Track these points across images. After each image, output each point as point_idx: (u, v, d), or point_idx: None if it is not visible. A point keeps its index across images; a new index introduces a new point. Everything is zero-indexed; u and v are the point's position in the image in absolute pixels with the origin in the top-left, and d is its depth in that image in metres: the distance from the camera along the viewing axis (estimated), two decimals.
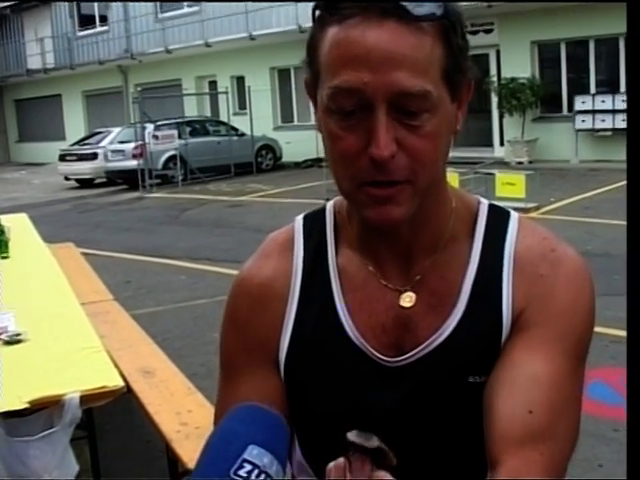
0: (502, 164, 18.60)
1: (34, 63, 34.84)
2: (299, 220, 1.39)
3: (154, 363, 4.10)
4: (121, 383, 3.15)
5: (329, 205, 1.36)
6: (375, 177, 1.11)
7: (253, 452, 0.70)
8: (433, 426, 1.26)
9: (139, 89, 23.42)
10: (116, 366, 3.46)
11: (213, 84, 27.80)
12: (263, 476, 0.69)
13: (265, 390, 1.29)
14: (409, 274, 1.28)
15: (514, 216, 1.32)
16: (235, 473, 0.69)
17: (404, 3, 1.07)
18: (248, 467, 0.69)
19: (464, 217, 1.30)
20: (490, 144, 21.54)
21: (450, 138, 1.19)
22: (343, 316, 1.28)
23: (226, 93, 24.94)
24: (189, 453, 3.21)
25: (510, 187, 12.48)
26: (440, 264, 1.28)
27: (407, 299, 1.27)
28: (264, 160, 24.40)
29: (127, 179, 22.14)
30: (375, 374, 1.27)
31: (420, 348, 1.24)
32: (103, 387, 3.03)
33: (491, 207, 1.33)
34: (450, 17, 1.11)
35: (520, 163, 19.03)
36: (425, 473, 1.29)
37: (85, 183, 23.91)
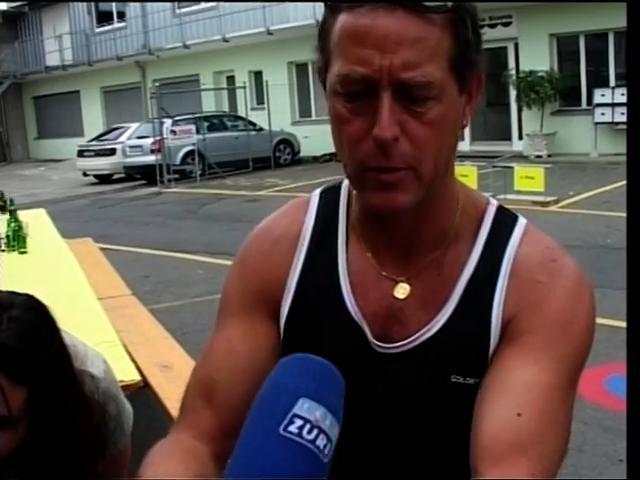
0: (521, 158, 18.52)
1: (52, 60, 34.92)
2: (317, 192, 1.42)
3: (172, 357, 4.11)
4: (138, 377, 3.15)
5: (346, 182, 1.36)
6: (378, 163, 1.13)
7: (304, 406, 0.65)
8: (414, 421, 1.27)
9: (157, 84, 23.38)
10: (133, 360, 3.46)
11: (231, 79, 27.82)
12: (316, 431, 0.64)
13: (258, 336, 1.32)
14: (407, 266, 1.29)
15: (521, 222, 1.31)
16: (285, 429, 0.64)
17: None
18: (299, 422, 0.64)
19: (470, 215, 1.30)
20: (509, 138, 21.43)
21: (457, 131, 1.20)
22: (346, 292, 1.30)
23: (244, 88, 24.97)
24: None
25: (529, 181, 12.42)
26: (439, 260, 1.28)
27: (401, 290, 1.28)
28: (282, 155, 24.42)
29: (145, 174, 22.18)
30: (367, 356, 1.28)
31: (409, 340, 1.26)
32: (120, 381, 3.03)
33: (499, 209, 1.32)
34: (460, 10, 1.12)
35: (539, 157, 18.94)
36: (405, 467, 1.30)
37: (103, 179, 23.96)
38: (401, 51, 1.08)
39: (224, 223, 13.63)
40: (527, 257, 1.25)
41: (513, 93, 20.61)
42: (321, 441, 0.64)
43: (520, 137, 21.05)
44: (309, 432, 0.63)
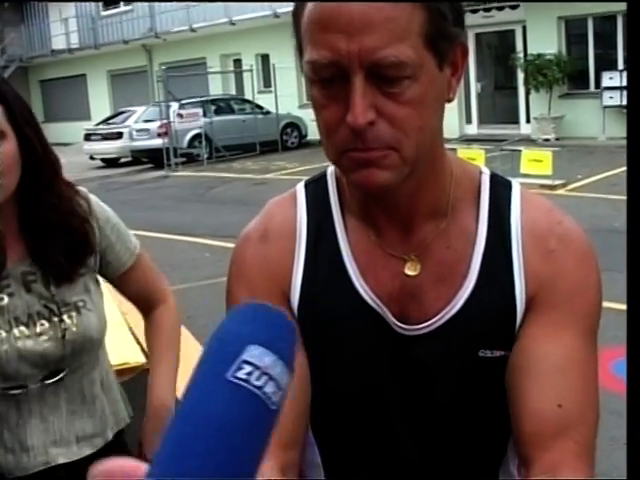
0: (528, 141, 18.46)
1: (59, 43, 34.88)
2: (300, 184, 1.39)
3: None
4: (143, 359, 3.15)
5: (329, 170, 1.35)
6: (355, 145, 1.11)
7: (254, 352, 0.62)
8: (441, 399, 1.27)
9: (164, 68, 23.37)
10: (138, 343, 3.45)
11: (238, 62, 27.73)
12: (265, 378, 0.61)
13: None
14: (411, 241, 1.27)
15: (516, 186, 1.32)
16: (233, 375, 0.61)
17: None
18: (248, 368, 0.61)
19: (466, 186, 1.29)
20: (516, 121, 21.38)
21: (440, 107, 1.18)
22: (355, 278, 1.27)
23: (251, 71, 24.91)
24: None
25: (537, 164, 12.38)
26: (445, 233, 1.27)
27: (412, 267, 1.27)
28: (289, 138, 24.40)
29: (152, 158, 22.18)
30: (387, 340, 1.27)
31: (432, 320, 1.24)
32: (125, 363, 3.02)
33: (492, 177, 1.32)
34: None
35: (547, 140, 18.86)
36: (435, 447, 1.30)
37: (110, 162, 23.94)
38: (368, 33, 1.05)
39: (231, 206, 13.61)
40: (533, 224, 1.25)
41: (521, 76, 20.52)
42: (270, 388, 0.62)
43: (528, 120, 20.97)
44: (258, 378, 0.61)
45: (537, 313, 1.21)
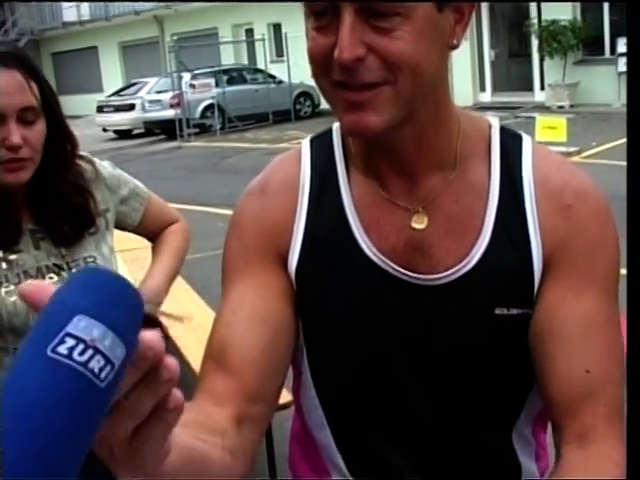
0: (543, 108, 18.32)
1: (70, 16, 34.77)
2: (306, 140, 1.36)
3: (192, 309, 4.11)
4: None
5: (335, 124, 1.31)
6: (345, 79, 1.08)
7: (80, 324, 0.55)
8: (453, 358, 1.23)
9: (175, 39, 23.28)
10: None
11: (250, 32, 27.58)
12: (90, 352, 0.55)
13: (270, 285, 1.25)
14: (417, 193, 1.24)
15: (526, 139, 1.28)
16: (53, 350, 0.54)
17: None
18: (71, 342, 0.55)
19: (474, 138, 1.26)
20: (531, 88, 21.19)
21: (441, 49, 1.13)
22: (357, 232, 1.24)
23: (263, 40, 24.76)
24: None
25: (551, 131, 12.28)
26: (453, 186, 1.23)
27: (419, 220, 1.23)
28: (302, 107, 24.25)
29: (165, 129, 22.17)
30: (395, 290, 1.23)
31: (445, 274, 1.21)
32: None
33: (502, 130, 1.29)
34: None
35: (561, 107, 18.73)
36: (448, 409, 1.27)
37: (123, 134, 23.93)
38: None
39: (244, 176, 13.31)
40: (547, 178, 1.22)
41: (535, 43, 20.33)
42: (96, 363, 0.55)
43: (542, 87, 20.76)
44: (81, 353, 0.55)
45: (557, 273, 1.19)
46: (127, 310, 0.59)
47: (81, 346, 0.56)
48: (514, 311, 1.19)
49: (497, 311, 1.20)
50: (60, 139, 1.99)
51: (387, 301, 1.23)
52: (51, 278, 1.97)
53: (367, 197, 1.26)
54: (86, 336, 0.56)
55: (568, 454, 1.13)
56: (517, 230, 1.20)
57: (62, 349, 0.55)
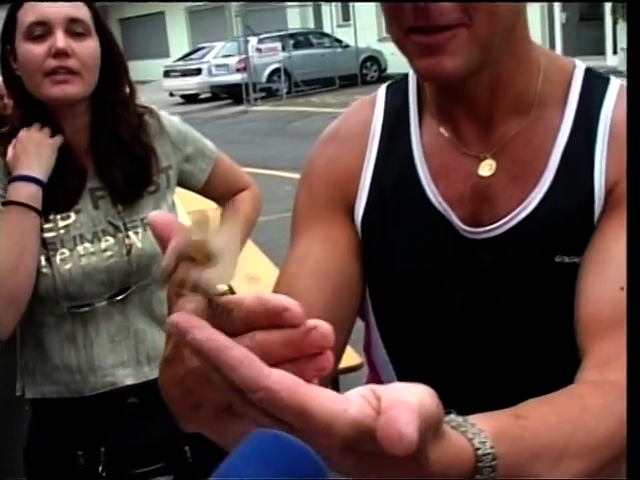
0: (615, 73, 17.80)
1: None
2: (383, 86, 1.33)
3: (260, 269, 4.09)
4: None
5: (412, 70, 1.23)
6: (417, 22, 1.03)
7: None
8: (514, 309, 1.19)
9: (242, 3, 23.30)
10: None
11: None
12: None
13: (337, 237, 1.23)
14: (490, 140, 1.19)
15: (615, 82, 1.20)
16: None
17: None
18: None
19: (556, 80, 1.19)
20: (602, 52, 20.82)
21: None
22: (425, 181, 1.21)
23: (329, 3, 24.65)
24: None
25: None
26: (526, 131, 1.18)
27: (487, 167, 1.18)
28: (369, 72, 24.26)
29: (231, 93, 22.43)
30: (457, 245, 1.20)
31: (503, 221, 1.16)
32: None
33: (588, 70, 1.21)
34: None
35: None
36: (510, 357, 1.22)
37: (190, 98, 24.19)
38: None
39: (311, 139, 13.27)
40: (624, 117, 1.12)
41: (608, 5, 19.92)
42: None
43: (615, 51, 20.36)
44: None
45: (614, 207, 1.11)
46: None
47: None
48: (575, 259, 1.12)
49: (557, 259, 1.14)
50: (115, 74, 1.93)
51: (448, 252, 1.20)
52: (107, 241, 1.91)
53: (437, 144, 1.22)
54: None
55: (582, 375, 1.02)
56: (582, 173, 1.14)
57: None
